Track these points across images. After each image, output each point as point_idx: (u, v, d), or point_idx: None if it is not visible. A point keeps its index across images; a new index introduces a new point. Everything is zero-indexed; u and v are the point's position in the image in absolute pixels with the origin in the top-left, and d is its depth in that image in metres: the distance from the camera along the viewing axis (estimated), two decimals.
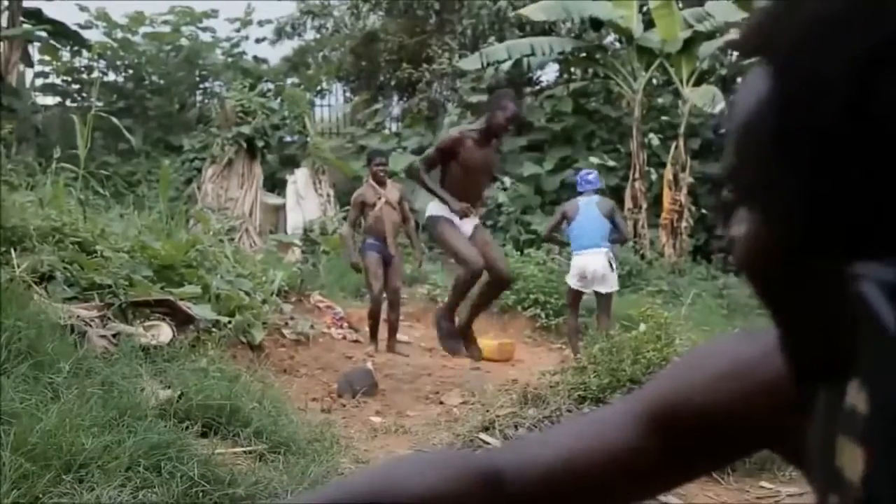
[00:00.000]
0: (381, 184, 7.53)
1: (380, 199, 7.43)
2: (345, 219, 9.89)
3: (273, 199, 12.56)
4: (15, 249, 5.20)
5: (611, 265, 6.92)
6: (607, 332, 5.67)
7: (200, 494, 3.34)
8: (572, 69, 14.65)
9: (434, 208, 6.04)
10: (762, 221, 0.50)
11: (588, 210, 6.96)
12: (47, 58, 14.44)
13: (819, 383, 0.56)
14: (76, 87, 15.00)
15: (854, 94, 0.42)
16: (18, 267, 5.01)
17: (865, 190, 0.43)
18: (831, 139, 0.43)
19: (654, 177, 12.57)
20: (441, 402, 5.86)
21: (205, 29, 15.75)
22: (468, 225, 6.03)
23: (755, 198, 0.51)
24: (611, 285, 7.00)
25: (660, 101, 13.75)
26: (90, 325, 4.69)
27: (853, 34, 0.42)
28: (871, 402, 0.41)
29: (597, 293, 7.04)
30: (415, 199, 9.18)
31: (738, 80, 13.86)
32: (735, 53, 14.35)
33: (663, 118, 13.36)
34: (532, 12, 12.00)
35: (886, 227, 0.43)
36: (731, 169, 0.52)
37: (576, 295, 7.17)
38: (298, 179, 12.48)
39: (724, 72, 13.79)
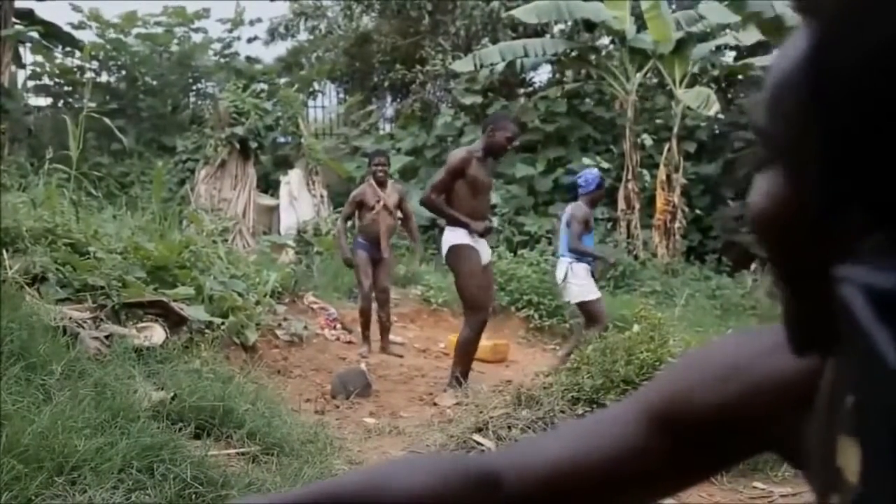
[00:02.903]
0: (382, 184, 7.51)
1: (378, 202, 7.41)
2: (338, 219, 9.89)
3: (266, 200, 12.54)
4: (7, 251, 5.19)
5: (566, 275, 6.66)
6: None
7: (193, 496, 3.33)
8: (565, 70, 14.67)
9: (454, 237, 5.91)
10: (788, 181, 0.50)
11: (563, 217, 6.92)
12: (39, 59, 14.39)
13: (814, 353, 0.56)
14: (68, 88, 14.95)
15: None
16: (11, 268, 5.00)
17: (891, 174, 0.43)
18: (873, 102, 0.43)
19: (647, 178, 12.59)
20: (435, 404, 5.86)
21: (197, 30, 15.73)
22: (486, 248, 6.06)
23: (785, 156, 0.50)
24: (570, 295, 6.75)
25: (653, 102, 13.77)
26: (83, 327, 4.68)
27: None
28: (856, 406, 0.41)
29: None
30: (410, 200, 9.18)
31: (732, 81, 13.90)
32: (728, 55, 14.41)
33: (657, 120, 13.39)
34: (524, 14, 12.01)
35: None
36: (764, 127, 0.52)
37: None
38: (292, 180, 12.46)
39: (716, 73, 13.82)
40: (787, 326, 0.54)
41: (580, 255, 6.69)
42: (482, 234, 5.94)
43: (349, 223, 7.90)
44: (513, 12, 12.53)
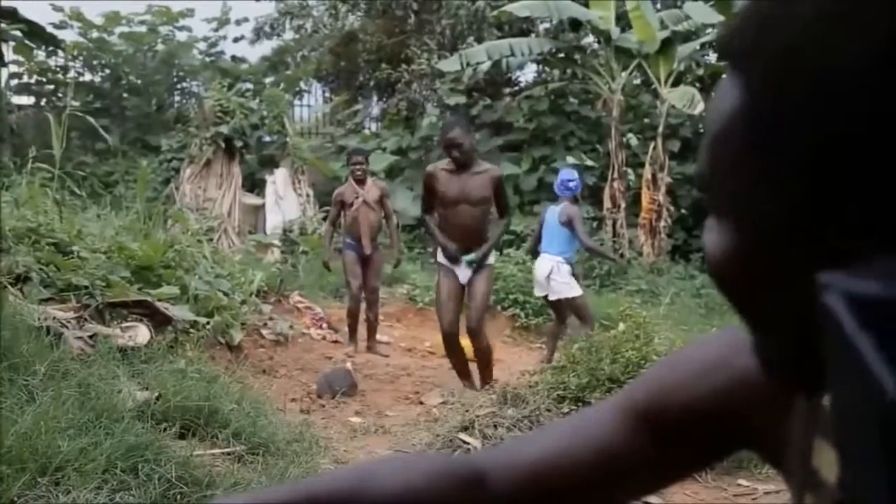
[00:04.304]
0: (360, 182, 7.50)
1: (357, 198, 7.41)
2: (324, 219, 9.87)
3: (252, 200, 12.50)
4: None
5: (551, 272, 6.69)
6: (584, 333, 5.70)
7: (178, 496, 3.31)
8: (551, 70, 14.70)
9: (438, 254, 6.09)
10: (733, 229, 0.50)
11: (550, 217, 6.89)
12: (21, 58, 14.30)
13: (794, 388, 0.56)
14: (51, 87, 14.86)
15: (863, 96, 0.41)
16: None
17: (856, 198, 0.43)
18: (817, 144, 0.43)
19: (632, 177, 12.63)
20: (421, 403, 5.86)
21: (181, 28, 15.67)
22: (464, 270, 5.96)
23: (728, 207, 0.50)
24: (554, 292, 6.76)
25: (638, 101, 13.81)
26: (66, 327, 4.65)
27: (858, 34, 0.41)
28: (837, 413, 0.41)
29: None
30: (395, 199, 9.17)
31: (716, 81, 13.95)
32: (713, 54, 14.46)
33: (643, 119, 13.42)
34: (516, 9, 12.02)
35: (869, 237, 0.43)
36: (705, 177, 0.52)
37: (544, 299, 7.15)
38: (277, 179, 12.43)
39: (701, 72, 13.87)
40: (762, 363, 0.54)
41: (591, 252, 6.75)
42: (450, 259, 5.91)
43: (336, 225, 7.90)
44: (503, 8, 12.53)
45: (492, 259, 6.15)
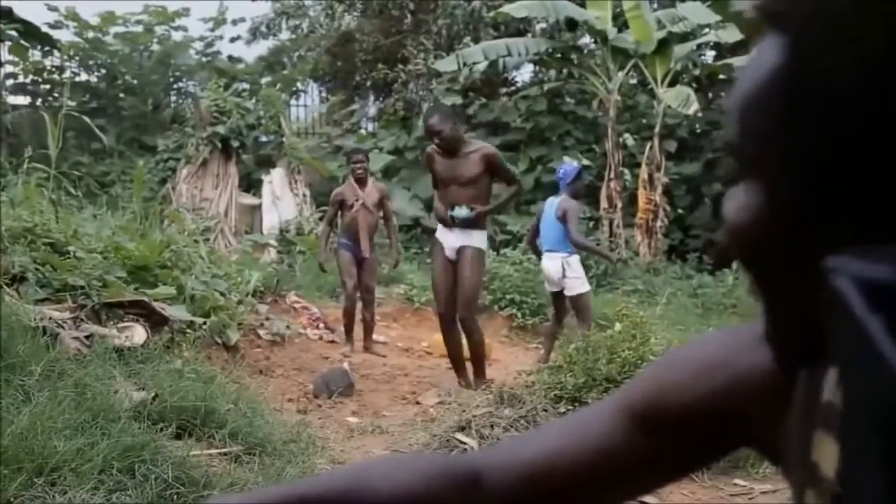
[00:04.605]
0: (361, 182, 7.50)
1: (357, 200, 7.42)
2: (321, 219, 9.86)
3: (248, 200, 12.49)
4: None
5: (563, 270, 6.72)
6: (581, 333, 5.69)
7: (175, 497, 3.31)
8: (548, 70, 14.70)
9: (438, 229, 6.23)
10: (761, 195, 0.49)
11: (548, 210, 6.92)
12: (16, 58, 14.27)
13: (799, 366, 0.56)
14: (47, 87, 14.84)
15: (882, 68, 0.41)
16: None
17: (877, 168, 0.43)
18: (849, 113, 0.43)
19: (628, 177, 12.64)
20: (418, 402, 5.86)
21: (177, 28, 15.65)
22: (451, 240, 6.00)
23: (757, 170, 0.50)
24: (570, 289, 6.78)
25: (635, 101, 13.82)
26: (63, 327, 4.64)
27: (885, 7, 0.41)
28: (845, 398, 0.41)
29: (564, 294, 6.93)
30: (391, 199, 9.16)
31: (712, 81, 13.97)
32: (709, 54, 14.48)
33: (640, 119, 13.42)
34: (513, 10, 12.02)
35: (883, 222, 0.43)
36: (735, 141, 0.51)
37: (549, 296, 7.18)
38: (274, 179, 12.42)
39: (698, 72, 13.89)
40: (771, 341, 0.53)
41: (581, 248, 6.76)
42: (442, 222, 6.05)
43: (333, 224, 7.90)
44: (501, 9, 12.54)
45: (481, 243, 6.10)
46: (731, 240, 0.52)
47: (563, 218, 6.73)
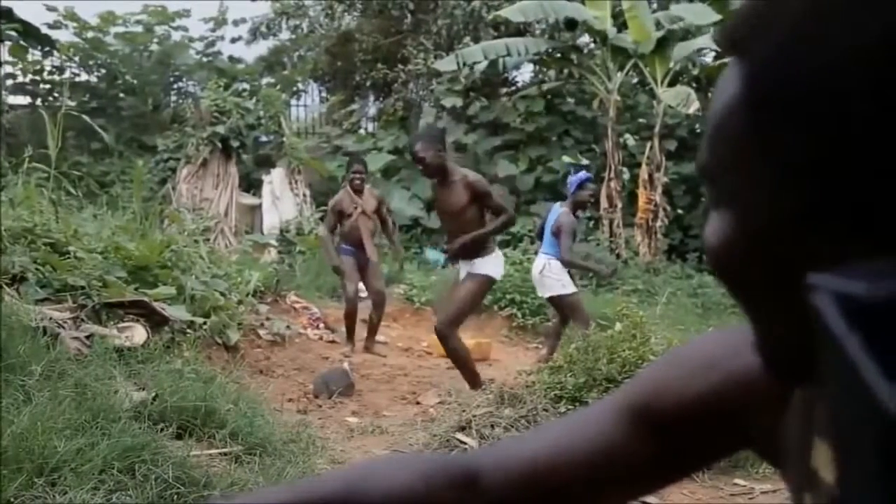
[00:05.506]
0: (358, 192, 7.53)
1: (356, 209, 7.45)
2: (321, 219, 9.86)
3: (248, 200, 12.49)
4: None
5: (542, 269, 6.72)
6: (581, 333, 5.68)
7: (175, 497, 3.31)
8: (548, 70, 14.70)
9: None
10: (735, 218, 0.50)
11: (550, 218, 6.94)
12: (15, 59, 14.26)
13: (793, 382, 0.56)
14: (47, 87, 14.83)
15: (861, 89, 0.41)
16: None
17: (847, 199, 0.43)
18: (818, 123, 0.43)
19: (628, 177, 12.64)
20: (418, 403, 5.86)
21: (177, 28, 15.65)
22: (461, 268, 5.96)
23: (729, 195, 0.51)
24: (547, 289, 6.77)
25: (634, 101, 13.82)
26: (63, 327, 4.64)
27: (850, 29, 0.41)
28: (832, 413, 0.41)
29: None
30: (391, 199, 9.17)
31: (711, 81, 13.96)
32: (709, 54, 14.47)
33: (639, 119, 13.42)
34: (511, 13, 12.03)
35: (869, 228, 0.43)
36: (706, 168, 0.52)
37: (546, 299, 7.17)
38: (274, 179, 12.42)
39: (697, 72, 13.88)
40: (762, 357, 0.54)
41: (571, 267, 6.75)
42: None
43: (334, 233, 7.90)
44: (499, 12, 12.55)
45: (484, 269, 5.85)
46: (711, 263, 0.53)
47: (557, 233, 6.74)
